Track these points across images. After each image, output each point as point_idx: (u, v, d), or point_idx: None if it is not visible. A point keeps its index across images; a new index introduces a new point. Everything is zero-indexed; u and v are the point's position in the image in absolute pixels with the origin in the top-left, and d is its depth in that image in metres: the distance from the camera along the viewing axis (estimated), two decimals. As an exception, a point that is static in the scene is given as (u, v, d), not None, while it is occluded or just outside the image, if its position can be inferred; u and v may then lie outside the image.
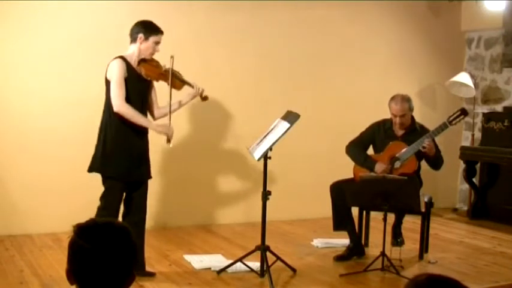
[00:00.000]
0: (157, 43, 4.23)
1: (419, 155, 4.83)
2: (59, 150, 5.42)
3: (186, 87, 4.45)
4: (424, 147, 4.65)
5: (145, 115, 4.29)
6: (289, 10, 6.25)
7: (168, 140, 4.28)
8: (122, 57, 4.15)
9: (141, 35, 4.18)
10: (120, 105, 4.06)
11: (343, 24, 6.57)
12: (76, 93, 5.45)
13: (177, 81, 4.36)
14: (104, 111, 4.20)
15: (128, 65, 4.15)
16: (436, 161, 4.86)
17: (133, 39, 4.22)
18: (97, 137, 4.22)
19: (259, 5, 6.10)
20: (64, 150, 5.43)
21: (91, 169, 4.23)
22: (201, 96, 4.51)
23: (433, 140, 4.74)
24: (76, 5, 5.40)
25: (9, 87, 5.29)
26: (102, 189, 4.26)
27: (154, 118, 4.42)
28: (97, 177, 4.31)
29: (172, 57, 4.22)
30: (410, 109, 4.88)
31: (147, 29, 4.20)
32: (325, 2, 6.37)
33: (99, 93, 5.33)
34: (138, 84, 4.20)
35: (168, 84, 4.28)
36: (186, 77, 4.41)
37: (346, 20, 6.58)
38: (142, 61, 4.23)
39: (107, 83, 4.15)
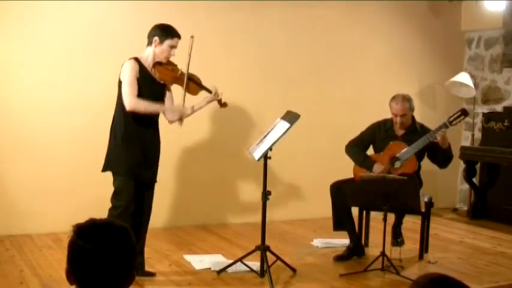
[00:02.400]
0: (172, 47, 4.19)
1: (420, 155, 4.83)
2: (59, 150, 5.42)
3: (202, 92, 4.42)
4: (435, 138, 4.62)
5: (158, 119, 4.29)
6: (289, 10, 6.24)
7: (180, 119, 4.28)
8: (136, 59, 4.15)
9: (156, 38, 4.15)
10: (130, 102, 4.05)
11: (343, 24, 6.57)
12: (76, 94, 5.44)
13: (193, 85, 4.32)
14: (115, 111, 4.19)
15: (141, 66, 4.14)
16: (448, 155, 4.81)
17: (149, 42, 4.20)
18: (108, 137, 4.21)
19: (260, 4, 6.10)
20: (64, 150, 5.43)
21: (105, 168, 4.21)
22: (219, 102, 4.48)
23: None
24: (77, 5, 5.40)
25: (9, 88, 5.29)
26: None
27: (168, 122, 4.40)
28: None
29: (192, 37, 4.18)
30: (411, 109, 4.88)
31: (163, 32, 4.17)
32: (325, 2, 6.37)
33: (100, 94, 5.37)
34: (152, 87, 4.18)
35: (183, 87, 4.26)
36: (204, 83, 4.39)
37: (346, 20, 6.58)
38: (157, 64, 4.21)
39: (119, 83, 4.15)
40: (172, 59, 4.25)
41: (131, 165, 4.12)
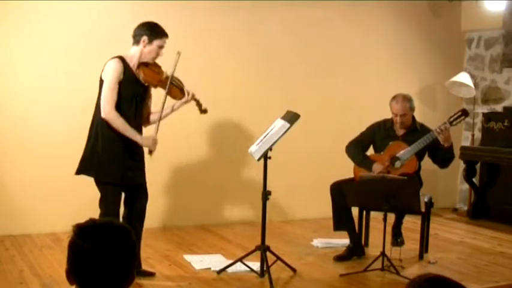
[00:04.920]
0: (161, 47, 4.04)
1: (421, 155, 4.83)
2: (59, 150, 5.42)
3: None
4: (439, 133, 4.62)
5: (141, 120, 4.16)
6: (289, 10, 6.25)
7: (150, 152, 4.09)
8: (121, 58, 3.99)
9: (144, 38, 4.00)
10: (108, 112, 3.90)
11: (343, 24, 6.57)
12: (76, 94, 5.43)
13: (176, 90, 4.18)
14: (95, 111, 4.06)
15: (126, 66, 3.99)
16: (450, 155, 4.80)
17: (136, 41, 4.04)
18: (87, 137, 4.06)
19: (260, 4, 6.10)
20: (64, 150, 5.42)
21: (79, 171, 4.05)
22: (200, 109, 4.34)
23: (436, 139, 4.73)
24: (78, 4, 5.40)
25: (10, 88, 5.29)
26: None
27: (145, 124, 4.26)
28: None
29: (179, 53, 4.04)
30: (411, 109, 4.89)
31: (152, 31, 4.02)
32: (325, 2, 6.38)
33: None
34: (135, 88, 4.03)
35: (167, 92, 4.11)
36: (186, 86, 4.26)
37: (346, 20, 6.58)
38: (143, 65, 4.05)
39: (101, 82, 4.01)
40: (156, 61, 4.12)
41: (116, 172, 3.99)
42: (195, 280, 4.26)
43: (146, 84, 4.11)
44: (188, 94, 4.22)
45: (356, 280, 4.35)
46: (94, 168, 4.02)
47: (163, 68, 4.15)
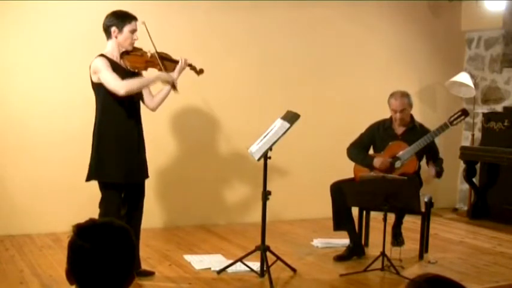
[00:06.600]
0: (133, 32, 4.03)
1: (420, 155, 4.84)
2: (59, 150, 5.42)
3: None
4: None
5: (139, 109, 4.17)
6: (289, 10, 6.24)
7: (174, 87, 4.14)
8: (102, 55, 4.02)
9: (114, 28, 4.00)
10: (121, 86, 3.91)
11: (343, 24, 6.57)
12: (76, 94, 5.42)
13: (167, 63, 4.18)
14: (95, 117, 4.10)
15: (111, 61, 4.00)
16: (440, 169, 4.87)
17: (108, 35, 4.04)
18: (91, 145, 4.11)
19: (260, 4, 6.10)
20: (64, 150, 5.43)
21: (89, 178, 4.09)
22: (195, 71, 4.33)
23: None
24: (78, 4, 5.40)
25: (10, 88, 5.29)
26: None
27: (151, 109, 4.28)
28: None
29: (143, 23, 4.01)
30: (410, 104, 4.91)
31: (119, 19, 4.01)
32: (325, 2, 6.37)
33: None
34: (126, 78, 4.01)
35: (159, 69, 4.14)
36: (173, 56, 4.25)
37: (346, 20, 6.58)
38: (124, 54, 4.06)
39: (95, 86, 4.03)
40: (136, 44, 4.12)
41: (118, 173, 4.01)
42: (195, 280, 4.26)
43: (136, 70, 4.11)
44: (181, 60, 4.21)
45: (356, 280, 4.35)
46: (98, 171, 4.04)
47: (145, 49, 4.14)
